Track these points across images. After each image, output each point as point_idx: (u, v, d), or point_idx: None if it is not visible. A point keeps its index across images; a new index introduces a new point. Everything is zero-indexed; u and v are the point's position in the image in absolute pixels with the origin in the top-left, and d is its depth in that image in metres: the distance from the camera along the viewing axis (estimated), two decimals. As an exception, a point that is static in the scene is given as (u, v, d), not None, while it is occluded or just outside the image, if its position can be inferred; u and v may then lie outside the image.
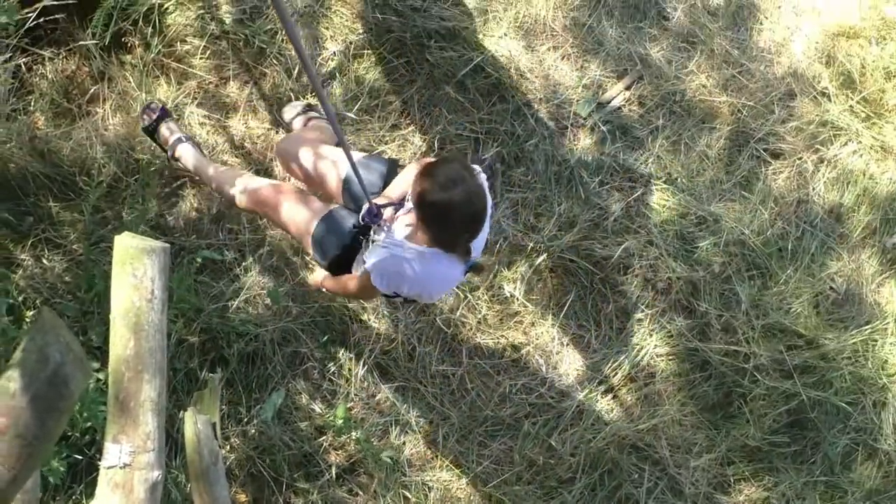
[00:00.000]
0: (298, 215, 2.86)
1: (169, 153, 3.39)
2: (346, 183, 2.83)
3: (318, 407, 3.55)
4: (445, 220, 2.28)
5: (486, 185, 2.39)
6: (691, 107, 3.64)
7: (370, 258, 2.50)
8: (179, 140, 3.36)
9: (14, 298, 3.52)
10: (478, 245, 2.51)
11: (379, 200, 2.64)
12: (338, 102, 3.59)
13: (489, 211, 2.39)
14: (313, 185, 3.06)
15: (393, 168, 2.89)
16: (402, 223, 2.57)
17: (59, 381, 1.33)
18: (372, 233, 2.64)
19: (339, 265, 2.80)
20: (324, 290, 3.05)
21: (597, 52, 3.65)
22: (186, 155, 3.34)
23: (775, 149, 3.66)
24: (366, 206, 2.60)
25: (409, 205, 2.51)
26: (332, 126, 1.98)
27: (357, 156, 2.89)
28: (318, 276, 3.04)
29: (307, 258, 3.50)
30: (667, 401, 3.52)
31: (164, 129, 3.39)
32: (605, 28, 3.66)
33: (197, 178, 3.40)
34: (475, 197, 2.25)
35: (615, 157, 3.58)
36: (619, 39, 3.66)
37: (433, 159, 2.69)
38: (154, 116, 3.39)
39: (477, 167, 2.38)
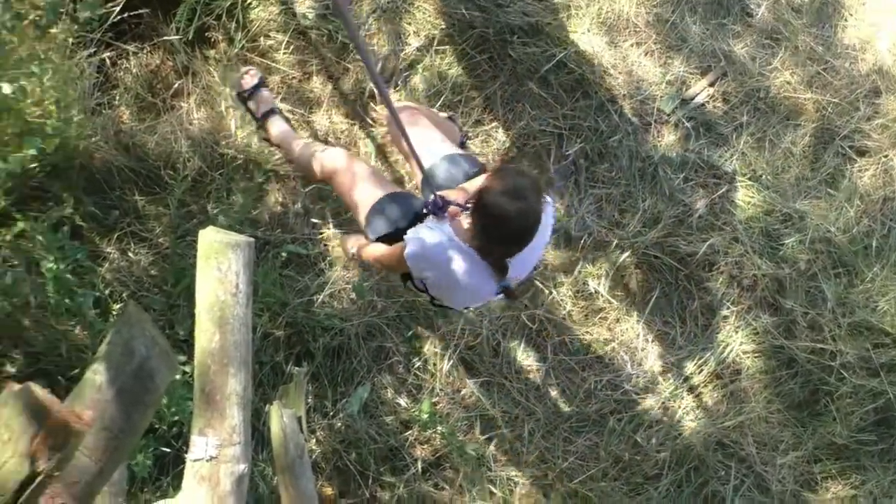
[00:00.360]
0: (368, 188, 2.82)
1: (259, 122, 3.43)
2: (426, 174, 2.81)
3: (403, 401, 3.54)
4: (491, 225, 2.26)
5: (550, 218, 2.41)
6: (776, 104, 3.63)
7: (413, 231, 2.47)
8: (272, 111, 3.41)
9: (101, 291, 3.52)
10: (519, 267, 2.47)
11: (450, 195, 2.59)
12: (420, 97, 3.58)
13: (538, 240, 2.36)
14: (408, 162, 3.04)
15: (481, 173, 2.85)
16: (464, 222, 2.54)
17: (144, 375, 1.31)
18: (428, 220, 2.59)
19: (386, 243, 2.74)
20: (353, 255, 2.99)
21: (680, 49, 3.65)
22: (276, 127, 3.38)
23: (861, 146, 3.65)
24: (432, 196, 2.57)
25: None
26: (395, 122, 1.89)
27: (449, 150, 2.87)
28: (352, 242, 2.98)
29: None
30: (753, 398, 3.50)
31: (257, 98, 3.43)
32: (689, 24, 3.65)
33: (280, 150, 3.41)
34: (530, 217, 2.23)
35: (699, 153, 3.57)
36: (703, 36, 3.65)
37: (514, 163, 2.66)
38: (253, 83, 3.44)
39: (548, 197, 2.36)
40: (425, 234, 2.44)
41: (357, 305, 3.51)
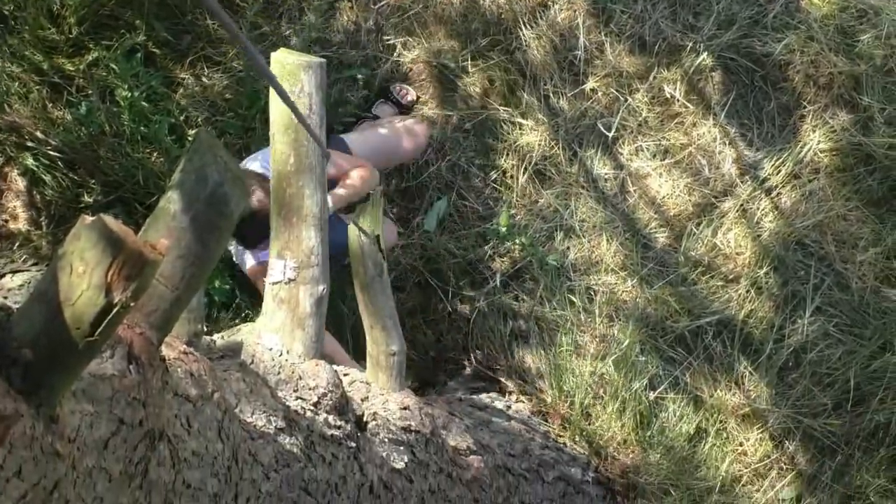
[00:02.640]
0: None
1: None
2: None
3: (481, 214, 3.58)
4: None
5: None
6: None
7: None
8: None
9: (176, 118, 3.56)
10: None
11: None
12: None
13: None
14: None
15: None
16: None
17: (218, 201, 1.32)
18: None
19: None
20: None
21: None
22: None
23: (937, -63, 3.58)
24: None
25: None
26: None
27: None
28: None
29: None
30: (831, 196, 3.50)
31: None
32: None
33: None
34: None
35: (772, -48, 3.52)
36: None
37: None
38: None
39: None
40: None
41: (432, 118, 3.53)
